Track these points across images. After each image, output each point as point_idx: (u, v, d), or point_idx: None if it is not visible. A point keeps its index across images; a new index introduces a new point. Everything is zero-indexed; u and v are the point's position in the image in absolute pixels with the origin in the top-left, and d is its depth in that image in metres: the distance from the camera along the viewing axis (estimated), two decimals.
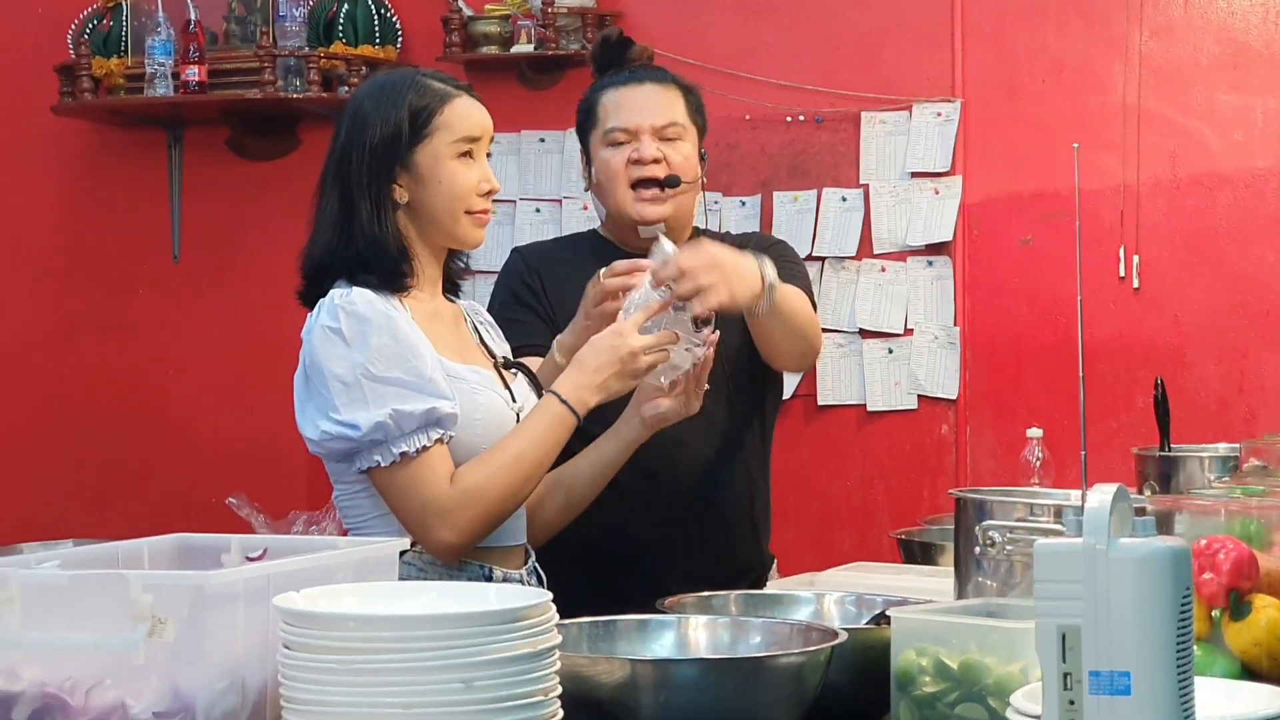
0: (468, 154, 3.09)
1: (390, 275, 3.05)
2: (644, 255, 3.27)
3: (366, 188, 3.07)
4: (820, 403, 5.78)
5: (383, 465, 2.95)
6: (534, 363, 3.35)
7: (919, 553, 3.95)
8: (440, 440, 2.97)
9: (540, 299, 3.61)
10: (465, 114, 3.10)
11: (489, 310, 3.62)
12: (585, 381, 3.07)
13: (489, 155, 3.15)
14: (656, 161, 3.59)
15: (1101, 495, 1.76)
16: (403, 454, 2.94)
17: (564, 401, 3.05)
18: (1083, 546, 1.74)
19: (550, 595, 2.13)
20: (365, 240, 3.06)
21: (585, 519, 3.36)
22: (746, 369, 3.65)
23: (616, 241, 3.70)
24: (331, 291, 3.02)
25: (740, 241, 3.85)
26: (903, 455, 5.69)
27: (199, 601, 2.04)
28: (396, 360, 2.95)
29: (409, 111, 3.07)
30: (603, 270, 3.30)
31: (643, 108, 3.63)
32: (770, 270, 3.33)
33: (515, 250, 3.82)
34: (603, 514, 3.39)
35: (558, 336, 3.38)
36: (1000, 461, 5.51)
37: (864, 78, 5.72)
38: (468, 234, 3.13)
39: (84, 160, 6.44)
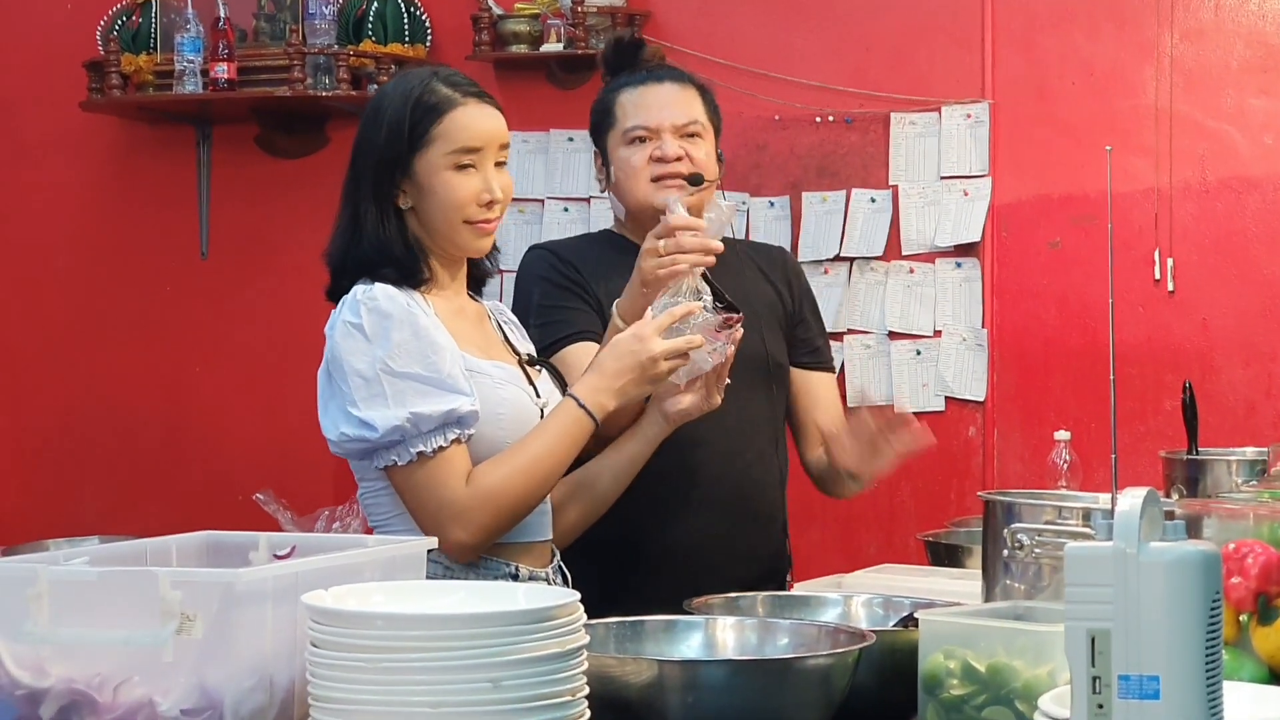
0: (469, 164, 3.07)
1: (405, 273, 3.06)
2: None
3: (371, 192, 3.08)
4: (848, 404, 5.75)
5: (400, 464, 2.96)
6: (589, 350, 3.32)
7: (946, 555, 3.94)
8: (458, 440, 2.97)
9: (586, 289, 3.57)
10: (466, 124, 3.07)
11: (521, 307, 3.61)
12: (604, 385, 3.07)
13: (502, 163, 3.11)
14: (679, 159, 3.58)
15: (1132, 499, 1.75)
16: (420, 454, 2.94)
17: (582, 405, 3.05)
18: (1113, 550, 1.74)
19: (578, 595, 2.13)
20: (370, 242, 3.07)
21: (610, 518, 3.35)
22: (783, 368, 3.66)
23: (635, 239, 3.68)
24: (355, 287, 3.02)
25: (764, 251, 3.86)
26: (929, 457, 5.64)
27: (228, 599, 2.05)
28: (417, 356, 2.95)
29: (410, 119, 3.06)
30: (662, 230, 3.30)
31: (664, 106, 3.61)
32: None
33: (538, 247, 3.78)
34: (628, 513, 3.38)
35: (616, 301, 3.37)
36: (1027, 464, 5.49)
37: (894, 79, 5.71)
38: (468, 243, 3.11)
39: (112, 157, 6.44)
